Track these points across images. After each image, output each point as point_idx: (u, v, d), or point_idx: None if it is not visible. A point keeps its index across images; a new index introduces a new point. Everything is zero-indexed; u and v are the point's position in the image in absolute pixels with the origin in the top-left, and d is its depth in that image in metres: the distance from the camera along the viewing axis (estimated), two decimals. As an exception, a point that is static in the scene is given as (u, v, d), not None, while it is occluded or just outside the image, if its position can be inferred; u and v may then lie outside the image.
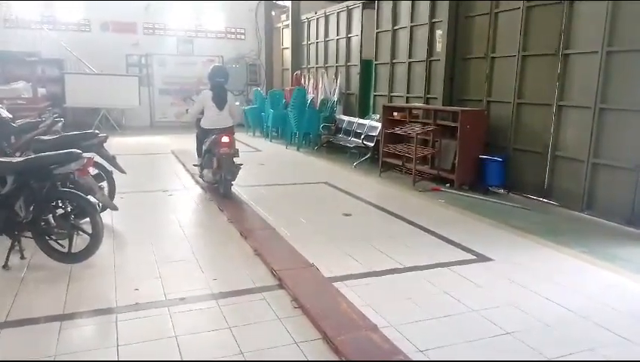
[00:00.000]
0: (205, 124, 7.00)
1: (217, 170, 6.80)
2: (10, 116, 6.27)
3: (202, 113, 7.04)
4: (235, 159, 6.83)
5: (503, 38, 7.60)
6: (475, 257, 4.71)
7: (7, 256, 4.20)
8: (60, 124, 6.92)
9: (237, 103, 7.49)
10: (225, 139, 6.67)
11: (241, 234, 5.20)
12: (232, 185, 6.85)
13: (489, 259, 4.64)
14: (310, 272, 4.16)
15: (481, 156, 7.49)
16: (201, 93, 7.17)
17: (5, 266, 4.15)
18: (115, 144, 10.11)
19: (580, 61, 6.43)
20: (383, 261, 4.54)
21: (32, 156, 4.40)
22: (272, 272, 4.15)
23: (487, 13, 7.81)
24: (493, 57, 7.78)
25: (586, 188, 6.30)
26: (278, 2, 16.51)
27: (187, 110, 7.81)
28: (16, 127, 6.26)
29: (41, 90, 12.73)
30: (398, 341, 3.10)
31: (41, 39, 13.89)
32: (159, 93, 15.46)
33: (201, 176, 7.39)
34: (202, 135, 7.20)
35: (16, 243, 4.28)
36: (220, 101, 6.91)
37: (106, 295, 3.76)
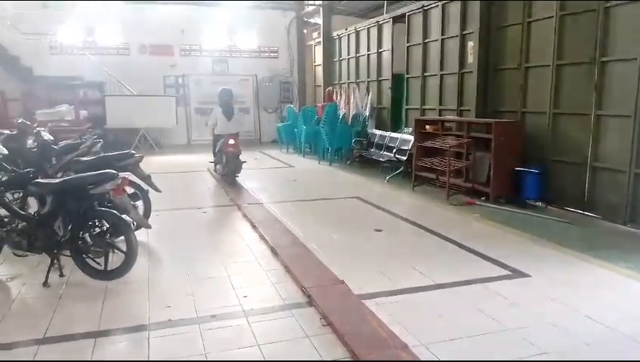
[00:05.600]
0: (217, 130, 9.25)
1: (226, 165, 9.01)
2: (52, 138, 6.55)
3: (216, 124, 9.28)
4: (240, 157, 8.93)
5: (537, 48, 7.44)
6: (511, 273, 4.57)
7: (47, 274, 4.34)
8: (99, 145, 7.17)
9: (242, 114, 11.17)
10: (231, 141, 8.80)
11: (272, 250, 5.22)
12: (237, 176, 8.98)
13: (526, 275, 4.50)
14: (340, 289, 4.12)
15: (517, 168, 7.30)
16: (214, 110, 9.47)
17: (45, 283, 4.29)
18: (153, 163, 10.42)
19: (618, 69, 6.22)
20: (415, 277, 4.47)
21: (70, 177, 4.56)
22: (302, 289, 4.14)
23: (520, 23, 7.67)
24: (527, 67, 7.62)
25: (629, 199, 6.04)
26: (309, 20, 16.73)
27: (207, 123, 10.20)
28: (57, 149, 6.52)
29: (83, 112, 13.27)
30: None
31: (83, 64, 14.50)
32: (195, 112, 15.82)
33: (215, 170, 9.81)
34: (215, 139, 9.41)
35: (55, 261, 4.43)
36: (227, 114, 9.16)
37: (139, 312, 3.83)
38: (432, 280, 4.38)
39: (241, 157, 9.02)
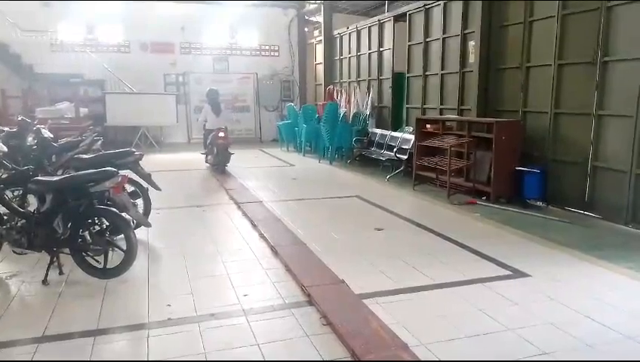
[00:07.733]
0: (208, 125, 10.54)
1: (216, 156, 10.12)
2: (52, 136, 6.53)
3: (206, 120, 10.59)
4: (229, 149, 10.05)
5: (539, 47, 7.42)
6: (511, 273, 4.56)
7: (47, 272, 4.33)
8: (99, 143, 7.16)
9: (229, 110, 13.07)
10: (221, 134, 10.02)
11: (272, 249, 5.21)
12: (226, 166, 10.09)
13: (526, 275, 4.48)
14: (340, 289, 4.11)
15: (518, 168, 7.28)
16: (204, 107, 10.78)
17: (45, 281, 4.28)
18: (153, 161, 10.42)
19: (619, 69, 6.20)
20: (416, 277, 4.45)
21: (69, 175, 4.54)
22: (302, 288, 4.13)
23: (522, 23, 7.64)
24: (528, 67, 7.60)
25: (630, 199, 6.03)
26: (311, 18, 16.70)
27: (197, 118, 11.96)
28: (57, 147, 6.51)
29: (84, 110, 13.24)
30: (429, 360, 3.01)
31: (83, 61, 14.47)
32: (196, 110, 15.73)
33: (207, 161, 10.71)
34: (207, 133, 10.63)
35: (54, 259, 4.42)
36: (216, 111, 10.48)
37: (138, 310, 3.82)
38: (433, 280, 4.37)
39: (231, 150, 10.10)
